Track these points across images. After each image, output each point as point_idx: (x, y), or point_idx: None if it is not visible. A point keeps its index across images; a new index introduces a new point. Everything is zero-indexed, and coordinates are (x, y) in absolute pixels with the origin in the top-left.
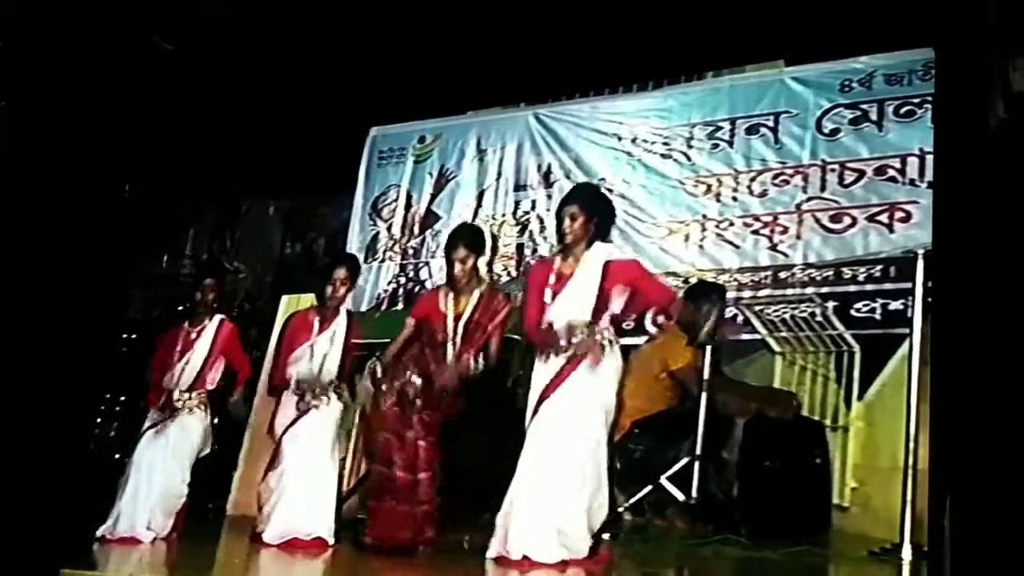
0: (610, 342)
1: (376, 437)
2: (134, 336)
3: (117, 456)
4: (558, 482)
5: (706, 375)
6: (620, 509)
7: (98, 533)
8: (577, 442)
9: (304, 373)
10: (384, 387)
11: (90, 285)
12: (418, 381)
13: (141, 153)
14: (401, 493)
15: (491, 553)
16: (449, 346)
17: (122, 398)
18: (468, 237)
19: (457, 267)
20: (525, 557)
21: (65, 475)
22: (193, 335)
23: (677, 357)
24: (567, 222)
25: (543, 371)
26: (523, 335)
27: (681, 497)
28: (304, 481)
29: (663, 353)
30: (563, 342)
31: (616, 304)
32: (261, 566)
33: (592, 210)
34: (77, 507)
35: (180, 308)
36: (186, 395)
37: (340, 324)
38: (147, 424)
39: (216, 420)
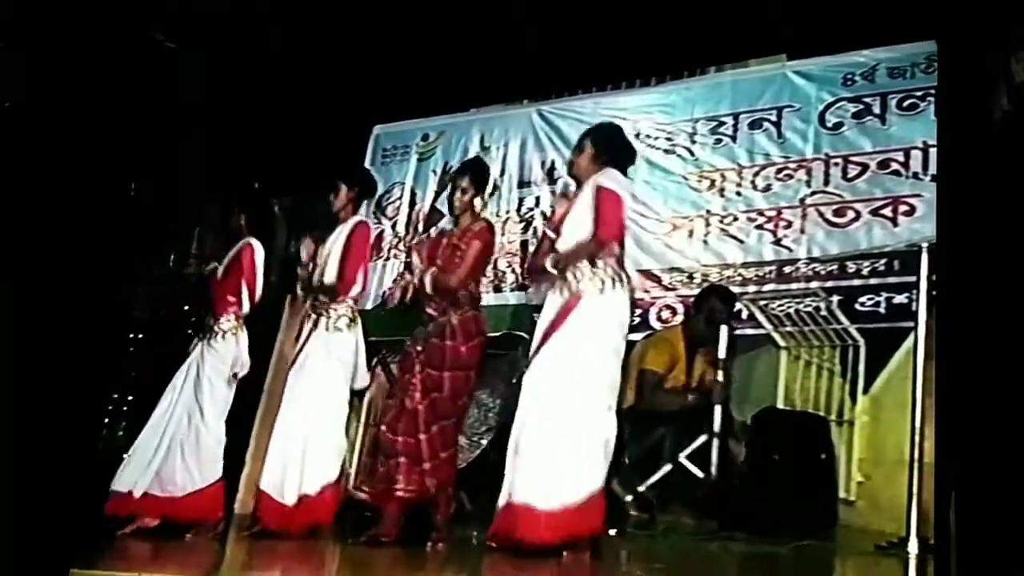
0: (614, 278)
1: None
2: (140, 336)
3: (125, 456)
4: (558, 426)
5: (721, 354)
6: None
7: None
8: (582, 381)
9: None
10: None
11: (96, 284)
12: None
13: (147, 152)
14: (403, 455)
15: (500, 501)
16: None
17: (130, 398)
18: (472, 170)
19: (456, 194)
20: (526, 504)
21: (72, 475)
22: (227, 259)
23: (660, 357)
24: (580, 156)
25: (548, 306)
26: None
27: (701, 475)
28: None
29: (644, 350)
30: (568, 275)
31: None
32: (271, 562)
33: (603, 144)
34: (85, 507)
35: (186, 307)
36: (213, 320)
37: (345, 229)
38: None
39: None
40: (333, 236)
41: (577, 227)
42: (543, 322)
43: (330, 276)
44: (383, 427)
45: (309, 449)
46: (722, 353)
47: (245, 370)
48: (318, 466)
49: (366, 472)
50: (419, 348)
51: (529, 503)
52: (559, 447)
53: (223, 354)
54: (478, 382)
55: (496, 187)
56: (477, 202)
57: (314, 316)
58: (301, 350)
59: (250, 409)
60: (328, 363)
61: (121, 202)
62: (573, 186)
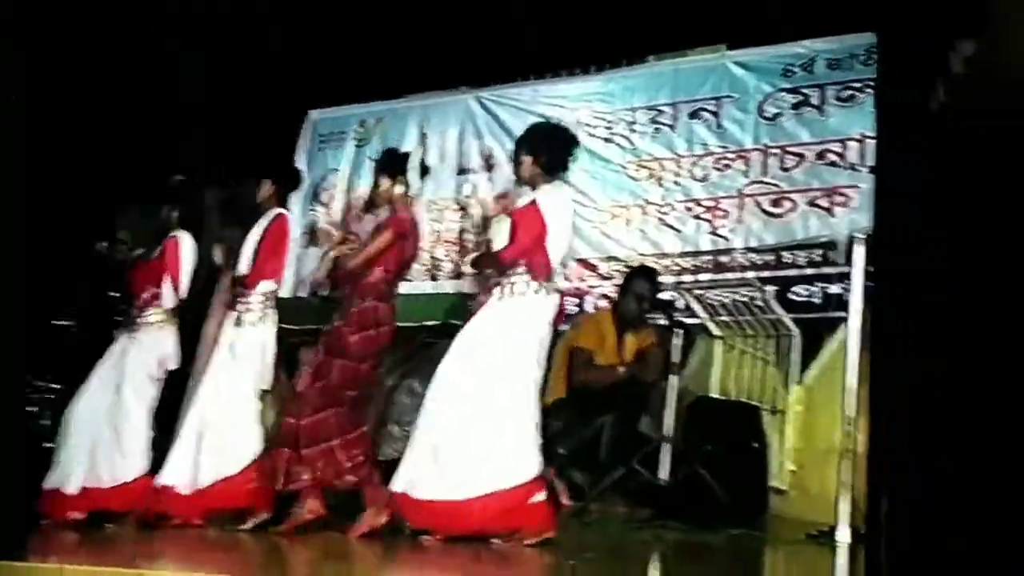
0: (540, 281)
1: None
2: (68, 323)
3: (48, 446)
4: (476, 418)
5: (676, 359)
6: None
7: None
8: (501, 374)
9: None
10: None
11: (26, 272)
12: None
13: (79, 141)
14: (285, 442)
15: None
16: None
17: (56, 386)
18: (383, 163)
19: (375, 189)
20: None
21: None
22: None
23: (588, 336)
24: (518, 167)
25: (484, 304)
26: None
27: (659, 482)
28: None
29: (573, 332)
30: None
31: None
32: (192, 550)
33: (538, 152)
34: (9, 497)
35: (115, 295)
36: (141, 312)
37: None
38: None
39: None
40: (254, 229)
41: (503, 231)
42: (474, 319)
43: (242, 269)
44: (304, 421)
45: (210, 444)
46: (677, 344)
47: (174, 365)
48: (217, 460)
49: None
50: (325, 334)
51: (439, 495)
52: (478, 438)
53: (148, 347)
54: (412, 369)
55: (426, 169)
56: (397, 190)
57: (231, 311)
58: (217, 344)
59: (179, 401)
60: (236, 358)
61: (51, 190)
62: (512, 189)
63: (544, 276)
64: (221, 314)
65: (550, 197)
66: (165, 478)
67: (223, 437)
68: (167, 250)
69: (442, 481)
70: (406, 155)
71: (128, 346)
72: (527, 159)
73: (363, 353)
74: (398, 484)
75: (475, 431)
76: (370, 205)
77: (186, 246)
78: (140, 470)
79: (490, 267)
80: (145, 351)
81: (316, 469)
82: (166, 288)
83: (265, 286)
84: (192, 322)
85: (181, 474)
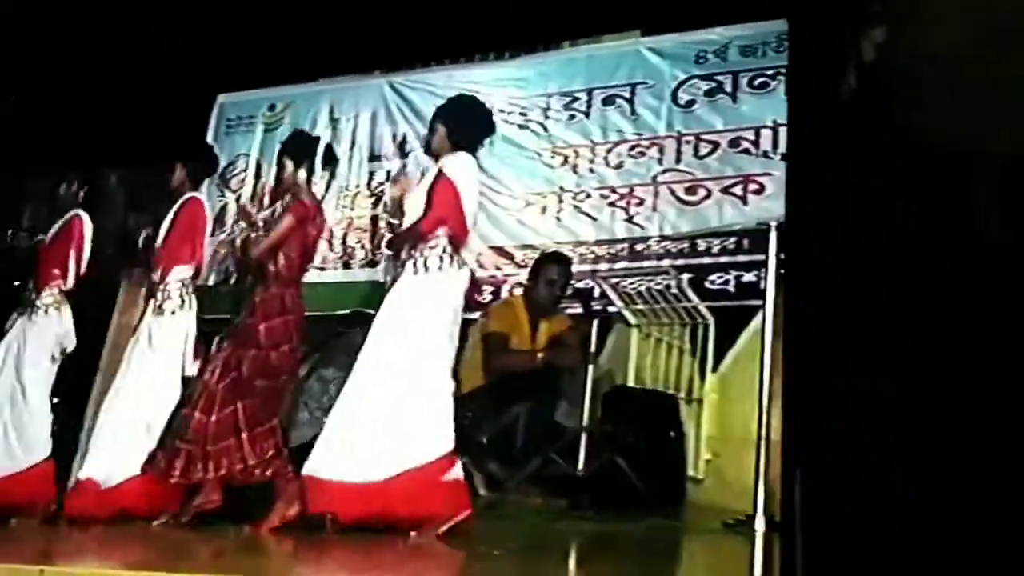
0: (450, 256)
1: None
2: None
3: None
4: (389, 399)
5: (592, 347)
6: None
7: None
8: (414, 360)
9: None
10: None
11: None
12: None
13: None
14: (192, 438)
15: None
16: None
17: None
18: (291, 146)
19: (279, 171)
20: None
21: None
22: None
23: (502, 321)
24: (433, 136)
25: (393, 284)
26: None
27: (575, 472)
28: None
29: (485, 319)
30: (403, 253)
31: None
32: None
33: (453, 124)
34: None
35: (16, 283)
36: (37, 293)
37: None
38: None
39: None
40: (168, 214)
41: (415, 209)
42: (386, 299)
43: (157, 255)
44: (186, 408)
45: (127, 438)
46: (593, 333)
47: (71, 345)
48: (133, 455)
49: (171, 455)
50: (232, 327)
51: (347, 476)
52: (392, 418)
53: (45, 329)
54: (323, 357)
55: (332, 159)
56: (301, 175)
57: (148, 296)
58: (134, 331)
59: (86, 386)
60: (154, 348)
61: None
62: (412, 167)
63: (463, 241)
64: (134, 300)
65: (456, 164)
66: (87, 471)
67: (137, 431)
68: (71, 230)
69: (351, 462)
70: (314, 140)
71: (26, 329)
72: (442, 129)
73: (272, 341)
74: (306, 468)
75: (389, 411)
76: (275, 190)
77: (87, 226)
78: (41, 456)
79: (409, 241)
80: (41, 333)
81: (221, 466)
82: (70, 269)
83: (181, 272)
84: (98, 306)
85: (101, 468)
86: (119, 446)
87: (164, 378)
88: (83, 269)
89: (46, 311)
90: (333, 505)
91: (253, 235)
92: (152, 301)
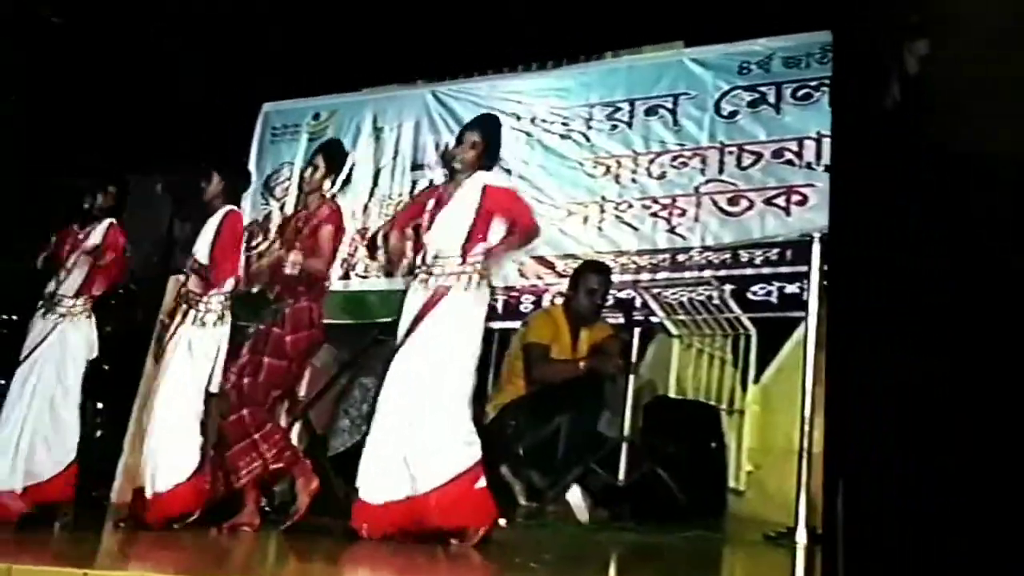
0: (481, 274)
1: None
2: (14, 317)
3: None
4: (419, 415)
5: (634, 357)
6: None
7: None
8: (444, 370)
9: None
10: None
11: None
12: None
13: (33, 127)
14: (253, 426)
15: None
16: (264, 246)
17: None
18: (327, 150)
19: (308, 171)
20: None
21: None
22: (81, 236)
23: (542, 330)
24: (466, 149)
25: (414, 298)
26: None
27: (616, 483)
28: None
29: (525, 328)
30: (436, 268)
31: (494, 233)
32: (145, 553)
33: (490, 141)
34: None
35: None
36: (72, 301)
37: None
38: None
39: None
40: (205, 227)
41: (456, 219)
42: (408, 314)
43: (202, 267)
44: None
45: (163, 446)
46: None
47: (93, 355)
48: (171, 464)
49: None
50: (255, 333)
51: (398, 495)
52: (424, 436)
53: (82, 336)
54: (364, 365)
55: (348, 180)
56: (327, 183)
57: (185, 307)
58: (169, 341)
59: (128, 392)
60: (189, 359)
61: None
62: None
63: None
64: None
65: (503, 180)
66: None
67: (173, 443)
68: (103, 237)
69: (394, 481)
70: (346, 155)
71: (68, 334)
72: (482, 146)
73: (296, 352)
74: (363, 492)
75: (422, 427)
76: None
77: (120, 234)
78: (69, 460)
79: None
80: (79, 340)
81: (240, 468)
82: (103, 275)
83: (221, 284)
84: (142, 314)
85: (147, 476)
86: (163, 454)
87: (200, 389)
88: (119, 278)
89: (78, 318)
90: (387, 527)
91: (298, 245)
92: (194, 312)
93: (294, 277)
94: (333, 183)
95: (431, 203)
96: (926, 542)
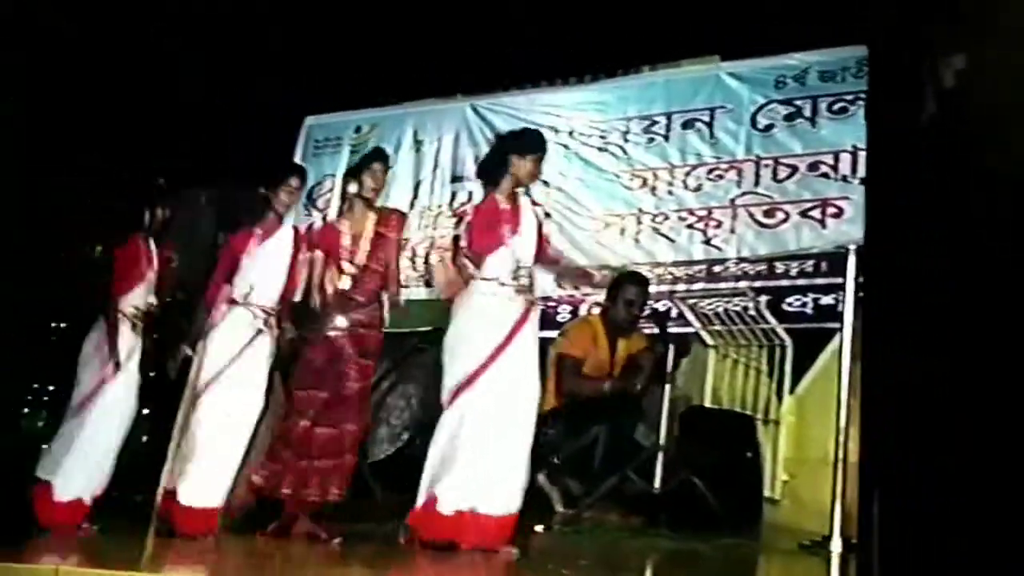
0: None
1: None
2: (63, 325)
3: (45, 446)
4: (502, 432)
5: (669, 367)
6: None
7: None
8: (525, 387)
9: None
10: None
11: (19, 275)
12: (345, 323)
13: (73, 141)
14: (319, 448)
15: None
16: (345, 263)
17: (51, 387)
18: (384, 158)
19: (372, 179)
20: (471, 509)
21: None
22: (144, 247)
23: (578, 341)
24: (528, 167)
25: (499, 311)
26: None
27: (652, 491)
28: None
29: (561, 338)
30: (518, 283)
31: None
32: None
33: (540, 157)
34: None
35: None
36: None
37: (286, 236)
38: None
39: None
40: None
41: (529, 236)
42: (497, 327)
43: (264, 286)
44: (303, 422)
45: (206, 456)
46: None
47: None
48: (210, 474)
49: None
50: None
51: (475, 509)
52: (504, 452)
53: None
54: (404, 373)
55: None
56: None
57: (251, 319)
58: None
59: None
60: (247, 368)
61: (46, 192)
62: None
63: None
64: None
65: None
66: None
67: (229, 451)
68: (149, 249)
69: (478, 496)
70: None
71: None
72: (536, 159)
73: (378, 352)
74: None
75: (500, 448)
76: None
77: (167, 246)
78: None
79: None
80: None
81: (316, 485)
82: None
83: (273, 295)
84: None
85: (191, 484)
86: (214, 462)
87: (255, 399)
88: (165, 289)
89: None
90: (465, 535)
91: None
92: (251, 323)
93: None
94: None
95: (503, 216)
96: (960, 551)
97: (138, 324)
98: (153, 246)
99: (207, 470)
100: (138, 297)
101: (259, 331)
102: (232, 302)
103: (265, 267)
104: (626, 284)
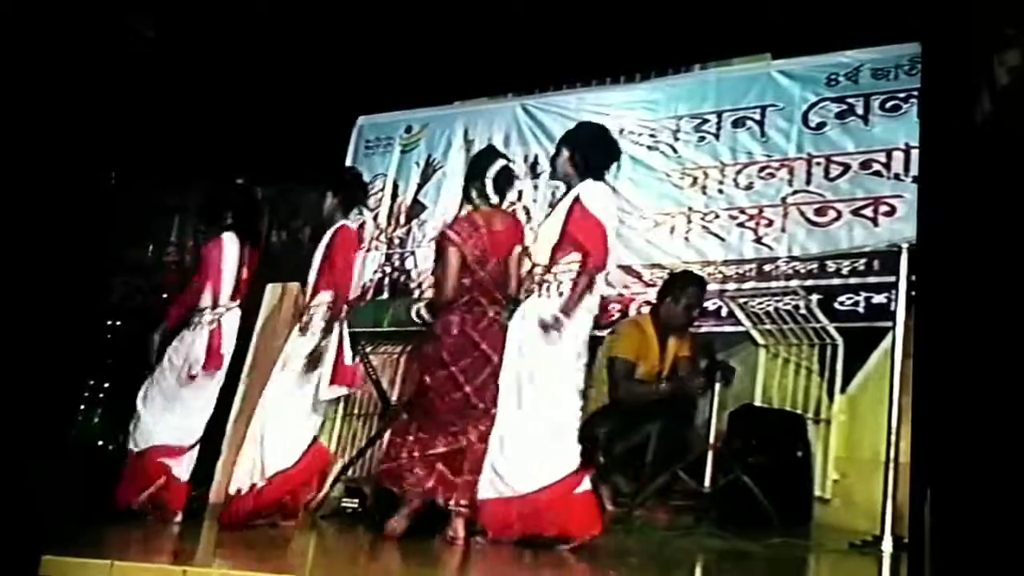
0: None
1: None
2: (119, 323)
3: (100, 443)
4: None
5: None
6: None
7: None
8: (563, 380)
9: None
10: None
11: (75, 273)
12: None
13: (127, 141)
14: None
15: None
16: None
17: (106, 385)
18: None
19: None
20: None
21: (46, 462)
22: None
23: (630, 341)
24: (556, 158)
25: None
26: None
27: (702, 489)
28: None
29: (612, 339)
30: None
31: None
32: (250, 549)
33: (576, 148)
34: (59, 494)
35: (164, 296)
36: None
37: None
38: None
39: None
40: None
41: (551, 229)
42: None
43: (311, 280)
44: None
45: (273, 443)
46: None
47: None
48: (276, 457)
49: (390, 466)
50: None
51: (531, 496)
52: (551, 443)
53: (193, 346)
54: None
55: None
56: (495, 199)
57: (299, 315)
58: (283, 348)
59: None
60: (300, 368)
61: (100, 190)
62: (543, 188)
63: (602, 268)
64: (278, 317)
65: (593, 192)
66: (236, 483)
67: (284, 439)
68: (227, 249)
69: (498, 479)
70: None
71: (182, 343)
72: (565, 153)
73: (456, 358)
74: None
75: (525, 428)
76: (412, 208)
77: (246, 247)
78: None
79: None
80: (191, 350)
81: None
82: (226, 286)
83: (326, 296)
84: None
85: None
86: (270, 458)
87: (309, 398)
88: (240, 290)
89: (199, 328)
90: (484, 520)
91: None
92: (298, 323)
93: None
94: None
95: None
96: (1013, 551)
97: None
98: (237, 244)
99: (270, 462)
100: (223, 295)
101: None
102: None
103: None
104: (683, 284)
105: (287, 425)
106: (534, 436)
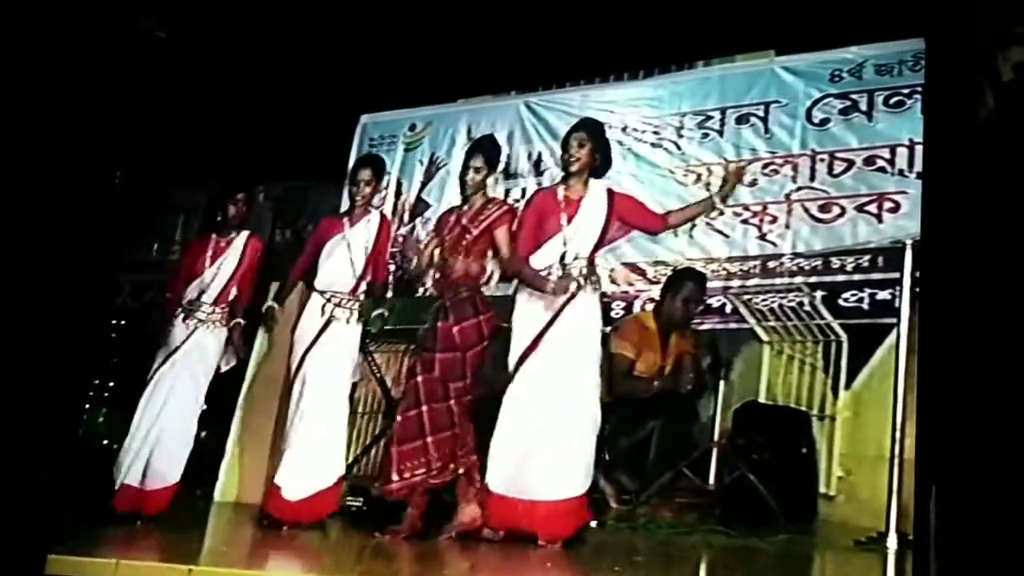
0: (598, 276)
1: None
2: (124, 322)
3: (106, 442)
4: (561, 421)
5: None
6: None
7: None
8: (578, 376)
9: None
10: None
11: (79, 272)
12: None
13: (132, 140)
14: (428, 427)
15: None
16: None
17: (111, 384)
18: (485, 148)
19: (469, 174)
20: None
21: (52, 461)
22: (223, 244)
23: (631, 337)
24: (575, 148)
25: (547, 302)
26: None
27: (706, 486)
28: (320, 418)
29: (612, 336)
30: (575, 272)
31: (610, 236)
32: (256, 549)
33: (597, 142)
34: (64, 493)
35: (169, 295)
36: (211, 308)
37: (372, 223)
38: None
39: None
40: (355, 231)
41: (590, 223)
42: (536, 317)
43: (346, 271)
44: (399, 417)
45: (319, 444)
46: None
47: (232, 362)
48: (328, 461)
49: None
50: (424, 332)
51: (537, 496)
52: (563, 441)
53: (217, 342)
54: None
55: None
56: (490, 181)
57: (329, 308)
58: (314, 343)
59: (232, 395)
60: (340, 358)
61: (105, 190)
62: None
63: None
64: (310, 311)
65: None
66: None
67: (329, 440)
68: (242, 249)
69: (529, 482)
70: (500, 148)
71: (202, 338)
72: (590, 145)
73: (465, 343)
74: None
75: (558, 438)
76: (416, 206)
77: (259, 247)
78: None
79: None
80: (215, 345)
81: (404, 469)
82: (244, 288)
83: (363, 285)
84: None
85: (289, 479)
86: (307, 458)
87: (339, 391)
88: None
89: (214, 325)
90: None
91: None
92: (336, 313)
93: (451, 271)
94: (496, 181)
95: (561, 203)
96: (1018, 547)
97: (214, 320)
98: (240, 242)
99: (309, 462)
100: (209, 294)
101: (332, 318)
102: (310, 289)
103: (343, 256)
104: (684, 280)
105: (337, 425)
106: (555, 443)
